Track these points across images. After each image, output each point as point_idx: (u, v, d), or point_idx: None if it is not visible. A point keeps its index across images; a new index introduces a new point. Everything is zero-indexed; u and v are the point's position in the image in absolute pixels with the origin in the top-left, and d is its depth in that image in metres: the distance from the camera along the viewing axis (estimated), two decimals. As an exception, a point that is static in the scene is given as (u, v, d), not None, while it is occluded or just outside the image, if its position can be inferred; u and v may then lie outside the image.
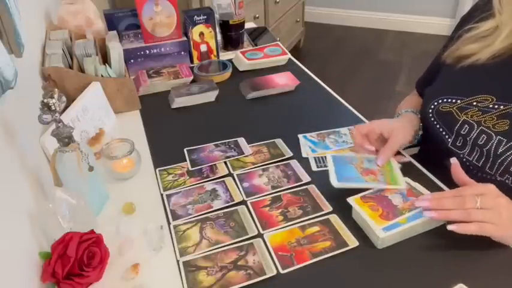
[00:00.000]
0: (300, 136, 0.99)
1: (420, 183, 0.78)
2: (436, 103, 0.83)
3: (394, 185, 0.77)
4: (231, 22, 1.39)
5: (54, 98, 0.69)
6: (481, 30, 0.79)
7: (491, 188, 0.66)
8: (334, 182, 0.76)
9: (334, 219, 0.76)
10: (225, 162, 0.92)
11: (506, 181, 0.74)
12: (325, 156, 0.84)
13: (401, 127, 0.86)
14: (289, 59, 1.36)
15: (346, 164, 0.81)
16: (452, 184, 0.80)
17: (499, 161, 0.74)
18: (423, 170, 0.87)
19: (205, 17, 1.29)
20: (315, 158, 0.92)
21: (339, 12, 3.74)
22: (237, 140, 0.99)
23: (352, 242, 0.71)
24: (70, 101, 0.95)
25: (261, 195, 0.83)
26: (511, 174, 0.73)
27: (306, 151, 0.94)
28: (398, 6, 3.50)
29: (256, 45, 1.46)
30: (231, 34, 1.42)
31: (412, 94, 1.05)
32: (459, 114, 0.80)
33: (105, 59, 1.18)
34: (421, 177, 0.84)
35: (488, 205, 0.65)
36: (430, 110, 0.84)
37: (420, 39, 3.40)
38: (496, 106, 0.75)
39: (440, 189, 0.81)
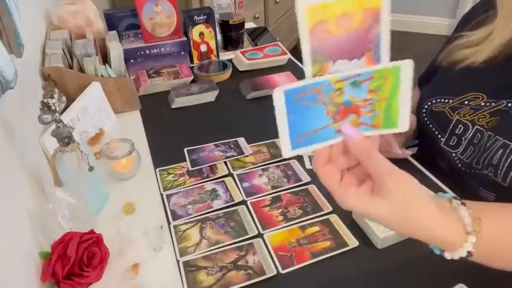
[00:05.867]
0: None
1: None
2: (429, 103, 0.84)
3: (388, 127, 0.45)
4: (231, 22, 1.38)
5: (54, 98, 0.69)
6: (472, 38, 0.79)
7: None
8: (287, 153, 0.47)
9: (334, 219, 0.76)
10: (225, 162, 0.92)
11: (489, 174, 0.74)
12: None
13: None
14: (289, 59, 1.36)
15: (310, 105, 0.46)
16: (446, 181, 0.83)
17: (485, 154, 0.75)
18: (419, 167, 0.88)
19: (205, 17, 1.29)
20: (309, 155, 0.92)
21: (339, 12, 3.74)
22: (237, 140, 0.99)
23: (352, 242, 0.71)
24: (70, 101, 0.95)
25: (261, 195, 0.83)
26: (493, 166, 0.73)
27: None
28: (399, 6, 3.50)
29: (256, 45, 1.45)
30: (231, 34, 1.42)
31: (414, 90, 1.04)
32: (452, 114, 0.80)
33: (105, 59, 1.18)
34: (416, 173, 0.84)
35: None
36: (424, 110, 0.85)
37: (420, 39, 3.40)
38: (488, 104, 0.75)
39: (436, 186, 0.81)
